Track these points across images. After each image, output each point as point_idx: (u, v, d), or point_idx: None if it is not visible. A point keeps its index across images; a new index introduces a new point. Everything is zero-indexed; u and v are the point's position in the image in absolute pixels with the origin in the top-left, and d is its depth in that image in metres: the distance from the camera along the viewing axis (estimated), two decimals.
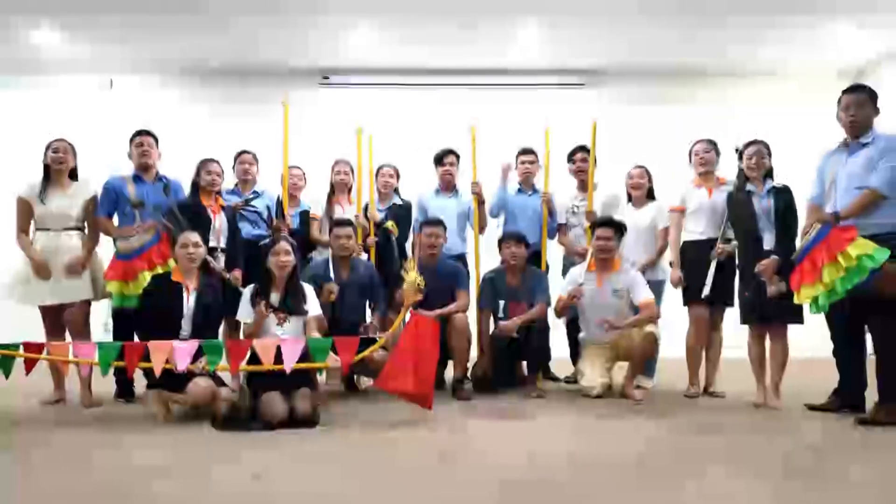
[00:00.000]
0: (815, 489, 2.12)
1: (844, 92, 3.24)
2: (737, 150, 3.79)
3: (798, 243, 3.30)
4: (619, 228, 3.92)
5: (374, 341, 3.37)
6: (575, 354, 4.29)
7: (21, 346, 3.07)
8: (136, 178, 3.85)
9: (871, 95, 3.19)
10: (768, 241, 3.45)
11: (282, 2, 4.83)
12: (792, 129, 5.57)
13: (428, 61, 5.96)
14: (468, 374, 3.93)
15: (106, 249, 3.84)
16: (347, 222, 4.02)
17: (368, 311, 4.05)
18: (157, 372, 2.99)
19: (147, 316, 3.29)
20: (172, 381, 3.09)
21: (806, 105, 5.87)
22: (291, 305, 3.33)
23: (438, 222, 4.12)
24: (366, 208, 4.34)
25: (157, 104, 6.15)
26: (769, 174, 3.61)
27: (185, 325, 3.25)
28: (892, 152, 3.06)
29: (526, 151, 4.50)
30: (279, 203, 4.30)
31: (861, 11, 5.08)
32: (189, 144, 5.25)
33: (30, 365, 3.11)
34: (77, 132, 5.61)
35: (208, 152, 4.08)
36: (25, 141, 5.67)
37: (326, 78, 6.14)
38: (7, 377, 3.03)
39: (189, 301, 3.28)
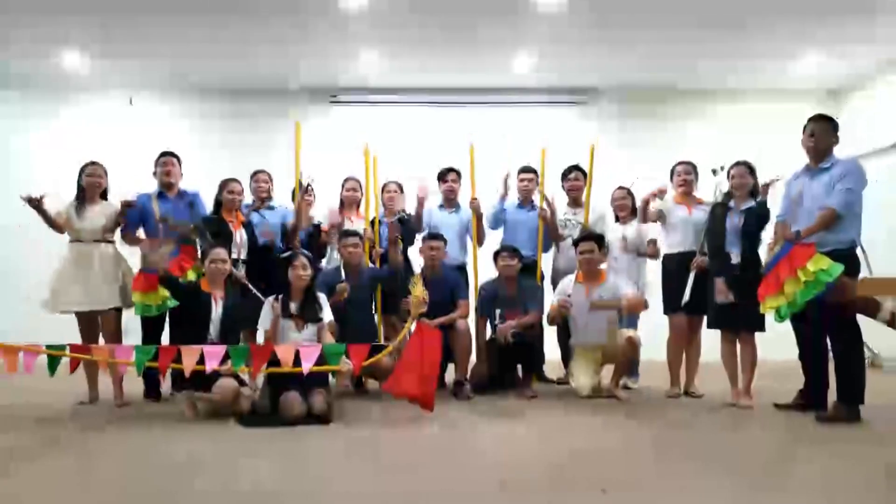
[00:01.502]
0: (777, 480, 2.45)
1: (809, 120, 3.59)
2: (714, 172, 4.12)
3: (764, 257, 3.63)
4: (600, 241, 4.25)
5: (382, 348, 3.70)
6: (566, 358, 4.61)
7: (67, 347, 3.42)
8: (161, 196, 4.21)
9: (833, 125, 3.54)
10: (735, 256, 3.78)
11: (295, 26, 5.14)
12: (779, 147, 5.87)
13: (431, 81, 6.30)
14: (468, 376, 4.26)
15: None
16: (355, 233, 4.37)
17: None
18: (188, 373, 3.32)
19: (179, 321, 3.62)
20: (198, 381, 3.43)
21: (793, 123, 6.19)
22: (308, 314, 3.67)
23: (439, 236, 4.46)
24: (372, 222, 4.67)
25: (174, 120, 6.51)
26: (753, 193, 3.92)
27: (213, 331, 3.60)
28: (847, 176, 3.40)
29: (526, 170, 4.81)
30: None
31: (835, 40, 5.41)
32: (205, 159, 5.65)
33: (74, 364, 3.46)
34: (101, 145, 6.10)
35: (223, 166, 4.41)
36: (58, 153, 6.13)
37: (335, 97, 6.47)
38: (52, 375, 3.36)
39: (217, 309, 3.63)
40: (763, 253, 3.78)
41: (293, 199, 4.60)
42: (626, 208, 4.56)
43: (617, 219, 4.64)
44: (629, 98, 6.57)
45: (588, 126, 6.44)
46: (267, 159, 4.95)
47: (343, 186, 4.80)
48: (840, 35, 5.34)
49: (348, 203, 4.78)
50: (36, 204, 3.89)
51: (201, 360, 3.33)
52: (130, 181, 4.35)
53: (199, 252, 4.01)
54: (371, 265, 4.53)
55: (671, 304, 4.21)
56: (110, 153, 5.88)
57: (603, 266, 4.32)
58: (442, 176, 4.84)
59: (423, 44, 5.57)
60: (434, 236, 4.47)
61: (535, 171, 4.79)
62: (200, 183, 4.54)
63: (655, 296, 4.40)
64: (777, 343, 3.88)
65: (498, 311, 4.35)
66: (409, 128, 6.45)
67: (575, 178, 4.80)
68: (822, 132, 3.51)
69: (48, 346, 3.37)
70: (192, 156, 4.86)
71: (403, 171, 5.03)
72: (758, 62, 5.96)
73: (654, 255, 4.47)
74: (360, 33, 5.32)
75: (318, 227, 4.76)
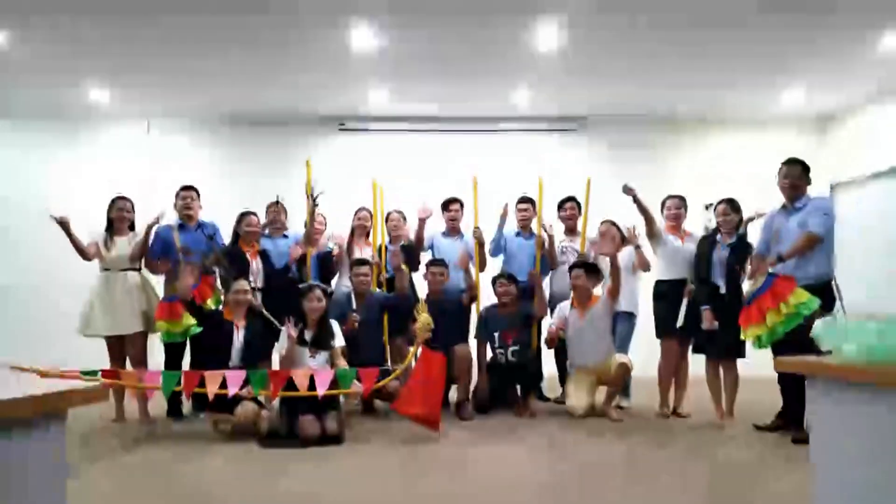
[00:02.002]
0: (753, 497, 2.72)
1: (783, 164, 3.89)
2: (706, 207, 4.41)
3: (745, 286, 3.91)
4: (591, 269, 4.53)
5: (391, 371, 3.99)
6: (563, 378, 4.89)
7: (100, 373, 3.71)
8: (181, 227, 4.50)
9: (804, 168, 3.85)
10: (721, 287, 4.07)
11: (308, 62, 5.41)
12: (767, 175, 6.16)
13: (435, 110, 6.61)
14: (469, 396, 4.54)
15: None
16: (365, 262, 4.66)
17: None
18: (211, 396, 3.61)
19: (202, 347, 3.92)
20: (218, 403, 3.71)
21: (781, 150, 6.50)
22: (322, 341, 3.96)
23: (442, 262, 4.75)
24: (380, 249, 4.96)
25: (188, 146, 6.81)
26: (737, 227, 4.18)
27: (235, 356, 3.89)
28: (823, 209, 3.73)
29: (524, 200, 5.10)
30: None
31: (822, 71, 5.69)
32: (218, 184, 5.96)
33: (107, 388, 3.74)
34: (120, 173, 6.42)
35: (237, 191, 4.66)
36: (79, 181, 6.51)
37: (343, 124, 6.79)
38: None
39: (238, 336, 3.92)
40: (746, 285, 4.04)
41: (306, 225, 4.87)
42: (614, 238, 4.82)
43: None
44: (620, 127, 6.85)
45: (581, 152, 6.79)
46: (278, 182, 5.21)
47: (355, 215, 5.08)
48: (826, 66, 5.57)
49: (358, 231, 5.07)
50: (64, 225, 4.19)
51: (223, 384, 3.62)
52: (149, 208, 4.64)
53: (218, 281, 4.32)
54: (378, 290, 4.81)
55: (662, 328, 4.49)
56: (129, 181, 6.27)
57: (597, 291, 4.60)
58: (446, 205, 5.12)
59: (428, 80, 5.86)
60: (437, 262, 4.76)
61: (532, 201, 5.07)
62: (214, 207, 4.85)
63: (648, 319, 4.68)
64: (762, 362, 4.14)
65: (496, 334, 4.63)
66: (413, 153, 6.75)
67: (570, 207, 5.09)
68: (795, 174, 3.83)
69: (83, 372, 3.65)
70: (207, 181, 5.18)
71: (408, 194, 5.31)
72: (745, 93, 6.22)
73: (645, 267, 4.72)
74: (369, 71, 5.60)
75: (329, 253, 5.04)
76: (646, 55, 5.33)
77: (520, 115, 6.71)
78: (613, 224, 4.83)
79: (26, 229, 6.19)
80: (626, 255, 4.77)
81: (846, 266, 5.57)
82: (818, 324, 1.54)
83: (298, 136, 6.75)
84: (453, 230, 5.13)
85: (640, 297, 4.81)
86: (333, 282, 4.97)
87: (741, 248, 4.06)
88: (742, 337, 3.76)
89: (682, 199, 4.63)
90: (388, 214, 5.11)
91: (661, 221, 4.62)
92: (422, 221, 4.96)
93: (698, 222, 4.64)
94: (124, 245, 4.38)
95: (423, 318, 3.98)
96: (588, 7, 4.45)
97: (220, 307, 4.18)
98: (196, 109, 6.63)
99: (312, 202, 4.65)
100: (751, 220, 4.13)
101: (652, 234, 4.51)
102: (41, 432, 1.08)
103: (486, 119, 6.76)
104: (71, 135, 6.74)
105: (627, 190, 4.41)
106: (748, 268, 3.98)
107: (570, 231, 5.10)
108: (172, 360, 4.36)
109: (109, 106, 6.37)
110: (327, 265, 4.96)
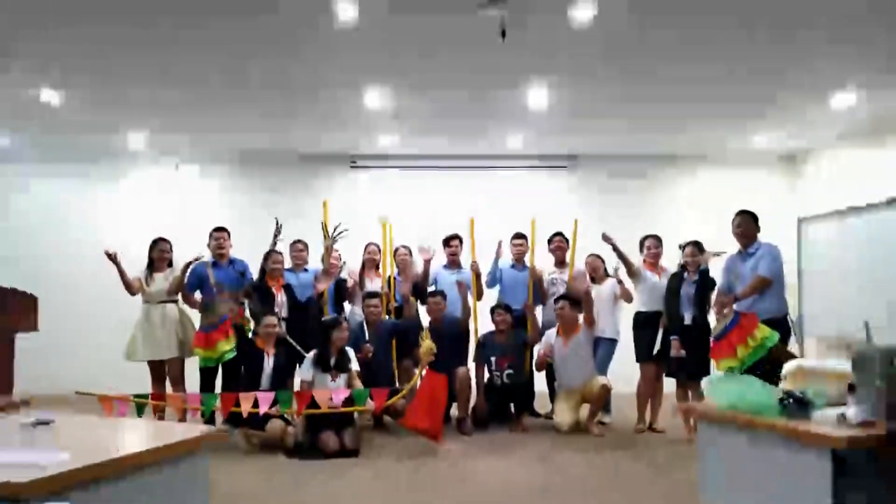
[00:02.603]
0: None
1: (736, 214, 4.49)
2: (680, 247, 4.99)
3: (711, 318, 4.48)
4: (574, 301, 5.08)
5: (399, 391, 4.58)
6: (552, 395, 5.46)
7: (149, 397, 4.32)
8: (214, 264, 5.10)
9: (754, 217, 4.45)
10: (687, 318, 4.65)
11: (321, 102, 5.97)
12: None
13: (438, 150, 7.26)
14: (469, 414, 5.10)
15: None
16: (376, 294, 5.24)
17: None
18: (245, 415, 4.20)
19: (237, 370, 4.55)
20: (250, 420, 4.30)
21: (752, 188, 7.12)
22: (342, 366, 4.54)
23: (441, 293, 5.32)
24: (389, 280, 5.55)
25: (214, 183, 7.43)
26: (699, 266, 4.75)
27: (265, 380, 4.48)
28: (769, 254, 4.30)
29: (518, 236, 5.68)
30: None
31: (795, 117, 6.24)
32: (241, 217, 6.55)
33: (156, 408, 4.36)
34: (152, 204, 7.07)
35: (259, 223, 5.35)
36: (119, 212, 7.18)
37: (354, 162, 7.41)
38: (140, 416, 4.25)
39: (269, 362, 4.53)
40: (711, 317, 4.59)
41: (323, 261, 5.45)
42: (599, 270, 5.40)
43: (593, 280, 5.48)
44: (607, 165, 7.45)
45: (572, 188, 7.44)
46: (294, 213, 5.79)
47: (365, 250, 5.67)
48: (793, 115, 6.13)
49: (369, 264, 5.66)
50: (114, 259, 4.78)
51: (255, 404, 4.21)
52: (178, 240, 5.25)
53: (247, 312, 4.93)
54: (387, 317, 5.39)
55: (641, 354, 5.06)
56: (160, 215, 6.88)
57: (579, 321, 5.16)
58: (447, 241, 5.71)
59: (432, 130, 6.55)
60: (435, 293, 5.34)
61: (525, 237, 5.65)
62: (235, 233, 5.35)
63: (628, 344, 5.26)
64: None
65: (493, 358, 5.21)
66: (418, 188, 7.37)
67: (559, 240, 5.65)
68: (747, 224, 4.42)
69: (135, 396, 4.27)
70: (229, 215, 5.82)
71: (413, 226, 5.88)
72: (722, 136, 6.80)
73: (627, 298, 5.30)
74: (380, 122, 6.24)
75: (343, 281, 5.63)
76: (630, 110, 5.94)
77: (515, 154, 7.33)
78: (598, 257, 5.42)
79: (65, 259, 6.90)
80: (609, 287, 5.35)
81: (812, 293, 6.17)
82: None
83: (313, 172, 7.36)
84: (453, 263, 5.72)
85: (622, 325, 5.38)
86: (347, 308, 5.58)
87: (704, 283, 4.64)
88: (717, 369, 4.27)
89: (659, 238, 5.21)
90: (396, 250, 5.70)
91: (640, 258, 5.19)
92: (426, 262, 5.54)
93: (675, 259, 5.19)
94: (161, 280, 4.98)
95: (427, 344, 4.56)
96: (573, 67, 5.03)
97: (251, 335, 4.77)
98: (221, 151, 7.28)
99: (331, 240, 5.23)
100: (711, 256, 4.70)
101: (632, 273, 5.09)
102: (192, 466, 1.59)
103: (485, 157, 7.37)
104: (110, 175, 7.34)
105: (606, 238, 5.00)
106: (712, 301, 4.57)
107: (560, 263, 5.67)
108: (206, 382, 4.94)
109: (142, 149, 7.00)
110: (341, 293, 5.56)
